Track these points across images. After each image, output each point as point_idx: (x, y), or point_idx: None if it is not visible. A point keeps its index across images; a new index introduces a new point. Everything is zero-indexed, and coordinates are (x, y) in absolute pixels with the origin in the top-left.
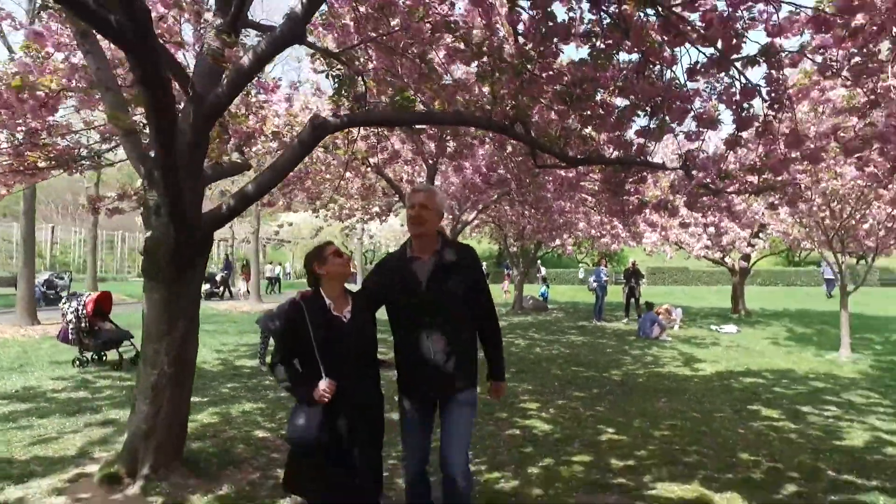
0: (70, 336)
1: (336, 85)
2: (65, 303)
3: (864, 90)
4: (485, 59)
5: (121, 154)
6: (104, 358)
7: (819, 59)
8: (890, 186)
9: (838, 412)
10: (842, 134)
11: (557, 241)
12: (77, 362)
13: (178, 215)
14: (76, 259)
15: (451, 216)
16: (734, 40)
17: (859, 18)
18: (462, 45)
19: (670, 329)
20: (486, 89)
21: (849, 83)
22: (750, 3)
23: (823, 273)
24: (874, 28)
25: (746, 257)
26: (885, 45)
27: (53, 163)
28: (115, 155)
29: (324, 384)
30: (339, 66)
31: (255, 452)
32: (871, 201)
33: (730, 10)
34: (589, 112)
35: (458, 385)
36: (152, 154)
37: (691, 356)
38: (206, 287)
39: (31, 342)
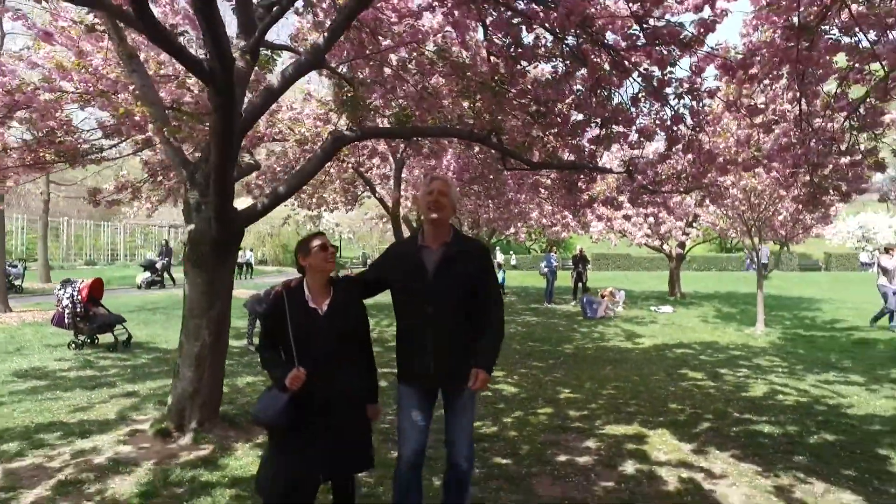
0: (66, 321)
1: (349, 103)
2: (60, 289)
3: (769, 111)
4: (466, 81)
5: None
6: (96, 341)
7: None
8: (794, 186)
9: (748, 372)
10: (755, 138)
11: (512, 230)
12: (73, 345)
13: (222, 213)
14: (17, 247)
15: (416, 206)
16: (667, 67)
17: (754, 69)
18: (439, 65)
19: (615, 309)
20: (465, 104)
21: (746, 118)
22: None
23: (760, 256)
24: (776, 60)
25: (682, 245)
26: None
27: (62, 158)
28: (119, 150)
29: (293, 372)
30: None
31: None
32: (784, 197)
33: (663, 49)
34: (549, 121)
35: (461, 376)
36: (191, 158)
37: (632, 332)
38: (145, 275)
39: (12, 329)
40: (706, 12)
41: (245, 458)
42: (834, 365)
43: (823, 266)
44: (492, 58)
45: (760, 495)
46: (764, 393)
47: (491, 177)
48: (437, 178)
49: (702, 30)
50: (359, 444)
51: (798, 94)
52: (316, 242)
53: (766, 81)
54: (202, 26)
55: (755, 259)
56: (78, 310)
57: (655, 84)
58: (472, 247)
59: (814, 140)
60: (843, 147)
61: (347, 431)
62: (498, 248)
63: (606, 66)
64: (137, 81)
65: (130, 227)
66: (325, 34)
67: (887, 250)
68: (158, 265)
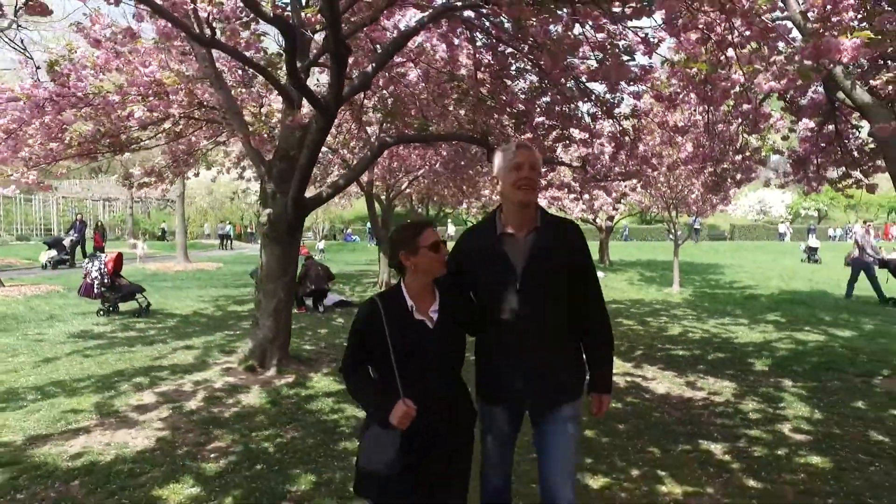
0: (95, 291)
1: (386, 113)
2: (88, 262)
3: (684, 119)
4: (469, 96)
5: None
6: (118, 308)
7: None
8: (702, 175)
9: (667, 319)
10: (677, 139)
11: (465, 205)
12: (101, 312)
13: (298, 201)
14: None
15: (384, 185)
16: (617, 92)
17: (677, 102)
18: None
19: None
20: (462, 112)
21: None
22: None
23: (694, 224)
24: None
25: (611, 218)
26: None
27: (111, 148)
28: (157, 140)
29: (401, 409)
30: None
31: (317, 354)
32: (695, 182)
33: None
34: (524, 124)
35: (561, 395)
36: (268, 159)
37: None
38: (50, 254)
39: (21, 301)
40: (645, 60)
41: (323, 381)
42: (729, 313)
43: (729, 236)
44: (479, 74)
45: (677, 387)
46: (679, 332)
47: (462, 164)
48: (525, 145)
49: (643, 71)
50: (462, 476)
51: (707, 108)
52: (427, 240)
53: (682, 94)
54: (333, 77)
55: (673, 231)
56: (105, 281)
57: (608, 106)
58: (568, 229)
59: (717, 141)
60: (737, 146)
61: (454, 463)
62: (450, 220)
63: (573, 89)
64: (223, 98)
65: (62, 200)
66: (374, 64)
67: (864, 223)
68: (66, 242)
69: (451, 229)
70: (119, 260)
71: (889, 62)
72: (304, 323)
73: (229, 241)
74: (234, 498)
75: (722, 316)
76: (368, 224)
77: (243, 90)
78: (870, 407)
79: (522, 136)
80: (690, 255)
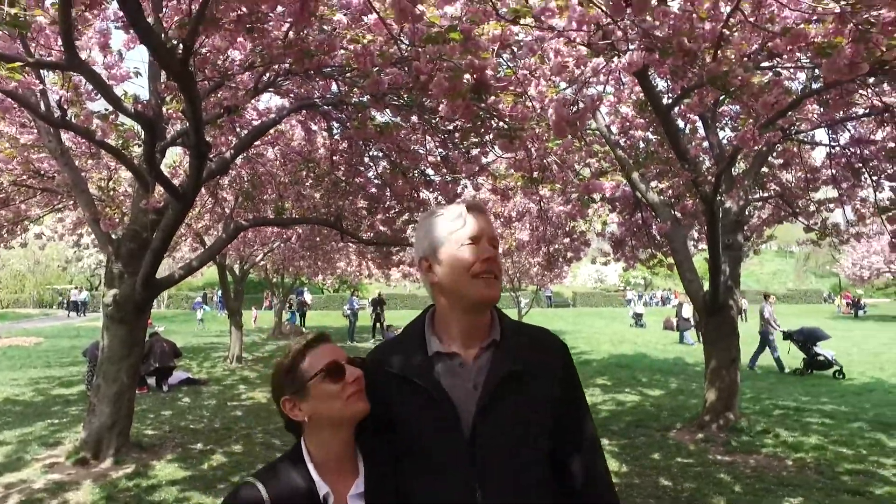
0: None
1: (243, 196)
2: None
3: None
4: (325, 180)
5: None
6: None
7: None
8: (538, 254)
9: None
10: (514, 224)
11: (320, 277)
12: None
13: (148, 282)
14: None
15: (238, 255)
16: (457, 189)
17: (509, 195)
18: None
19: None
20: (317, 195)
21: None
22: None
23: (546, 292)
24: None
25: None
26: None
27: None
28: None
29: None
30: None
31: (160, 439)
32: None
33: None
34: (375, 209)
35: None
36: (116, 236)
37: None
38: None
39: None
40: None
41: (168, 468)
42: None
43: (572, 303)
44: (334, 158)
45: None
46: None
47: (318, 240)
48: (476, 207)
49: (479, 168)
50: None
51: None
52: (316, 362)
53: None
54: (192, 169)
55: (516, 299)
56: None
57: (451, 196)
58: (545, 342)
59: (548, 226)
60: (567, 230)
61: None
62: (306, 289)
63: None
64: (69, 174)
65: None
66: (232, 150)
67: (766, 297)
68: None
69: (308, 297)
70: None
71: (673, 167)
72: (145, 405)
73: (84, 308)
74: None
75: None
76: (219, 292)
77: (90, 160)
78: (662, 457)
79: (374, 218)
80: (537, 321)
